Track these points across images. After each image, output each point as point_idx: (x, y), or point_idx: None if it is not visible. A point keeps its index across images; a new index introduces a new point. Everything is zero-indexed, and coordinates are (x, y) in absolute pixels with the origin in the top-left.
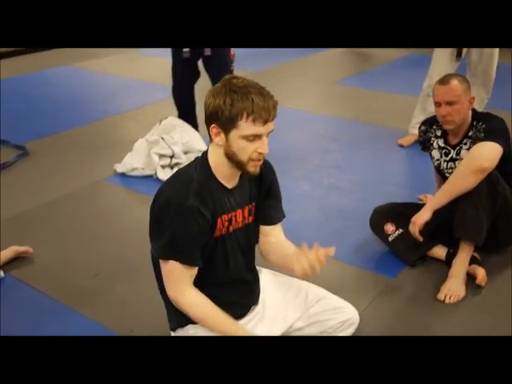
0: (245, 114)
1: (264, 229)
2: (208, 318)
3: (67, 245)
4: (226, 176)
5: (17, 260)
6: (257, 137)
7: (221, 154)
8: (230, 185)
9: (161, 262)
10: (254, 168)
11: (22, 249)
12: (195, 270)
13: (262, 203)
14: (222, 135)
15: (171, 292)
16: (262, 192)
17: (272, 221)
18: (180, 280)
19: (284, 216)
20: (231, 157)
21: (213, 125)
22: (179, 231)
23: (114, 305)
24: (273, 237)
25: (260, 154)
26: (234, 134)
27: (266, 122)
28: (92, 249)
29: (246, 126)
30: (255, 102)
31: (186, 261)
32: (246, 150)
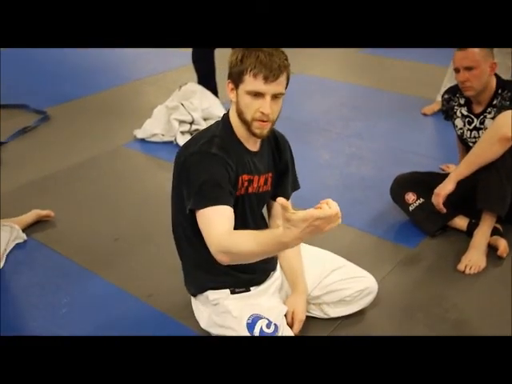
0: (249, 69)
1: (275, 208)
2: (255, 250)
3: (88, 209)
4: (245, 137)
5: (39, 223)
6: (260, 95)
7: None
8: (250, 147)
9: (197, 215)
10: (259, 130)
11: (43, 212)
12: (230, 213)
13: (278, 177)
14: (235, 92)
15: (210, 245)
16: (279, 165)
17: (284, 197)
18: (213, 224)
19: (297, 188)
20: (240, 115)
21: (228, 80)
22: (207, 176)
23: (134, 269)
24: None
25: (262, 114)
26: (240, 88)
27: (266, 79)
28: (112, 213)
29: (249, 81)
30: (260, 58)
31: (216, 202)
32: (250, 108)
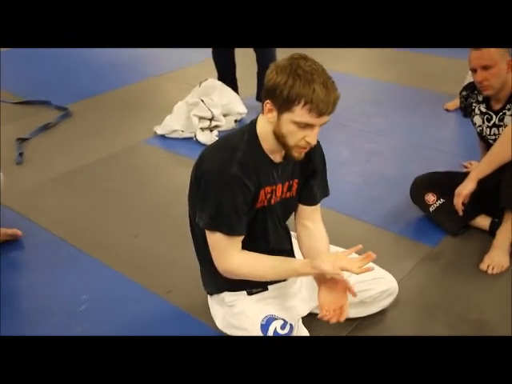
0: (302, 101)
1: (302, 210)
2: (259, 272)
3: (108, 205)
4: (272, 149)
5: (59, 218)
6: (308, 126)
7: (270, 129)
8: (275, 158)
9: (206, 232)
10: (298, 154)
11: (9, 231)
12: (241, 238)
13: (305, 182)
14: (275, 113)
15: (220, 265)
16: (306, 171)
17: (310, 201)
18: (226, 250)
19: (326, 195)
20: (278, 137)
21: (268, 100)
22: (224, 201)
23: (153, 265)
24: (310, 221)
25: (307, 143)
26: (286, 116)
27: (321, 114)
28: (132, 210)
29: (300, 113)
30: (316, 92)
31: (231, 232)
32: (295, 136)
